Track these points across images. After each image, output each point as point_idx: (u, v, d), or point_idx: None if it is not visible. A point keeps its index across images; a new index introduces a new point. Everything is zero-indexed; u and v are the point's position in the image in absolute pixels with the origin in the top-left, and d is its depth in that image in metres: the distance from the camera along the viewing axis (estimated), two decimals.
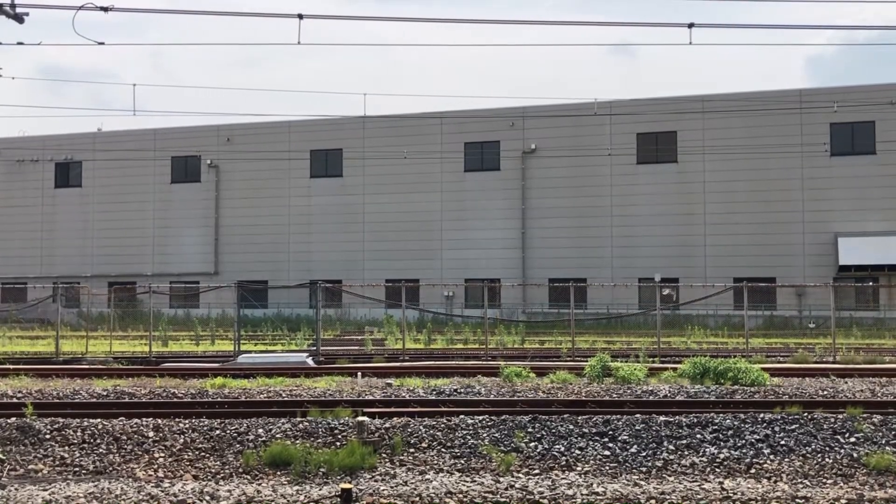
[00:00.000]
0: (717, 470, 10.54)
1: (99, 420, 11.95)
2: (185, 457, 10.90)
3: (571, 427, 11.63)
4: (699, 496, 9.49)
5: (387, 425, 11.65)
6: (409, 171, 42.17)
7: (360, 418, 11.60)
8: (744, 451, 11.01)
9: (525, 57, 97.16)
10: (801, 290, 36.27)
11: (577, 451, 11.00)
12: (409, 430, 11.54)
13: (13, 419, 11.83)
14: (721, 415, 12.13)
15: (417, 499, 9.41)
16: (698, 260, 38.68)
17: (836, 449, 11.04)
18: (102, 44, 17.51)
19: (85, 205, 47.27)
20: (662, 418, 11.91)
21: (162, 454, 10.95)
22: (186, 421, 11.92)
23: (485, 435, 11.41)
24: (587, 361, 17.30)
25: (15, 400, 13.85)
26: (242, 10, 24.00)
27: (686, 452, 10.98)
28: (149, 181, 46.26)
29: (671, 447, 11.10)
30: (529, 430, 11.54)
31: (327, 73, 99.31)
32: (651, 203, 39.53)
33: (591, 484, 9.93)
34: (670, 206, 39.25)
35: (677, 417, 11.94)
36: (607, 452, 10.98)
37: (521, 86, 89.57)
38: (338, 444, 11.15)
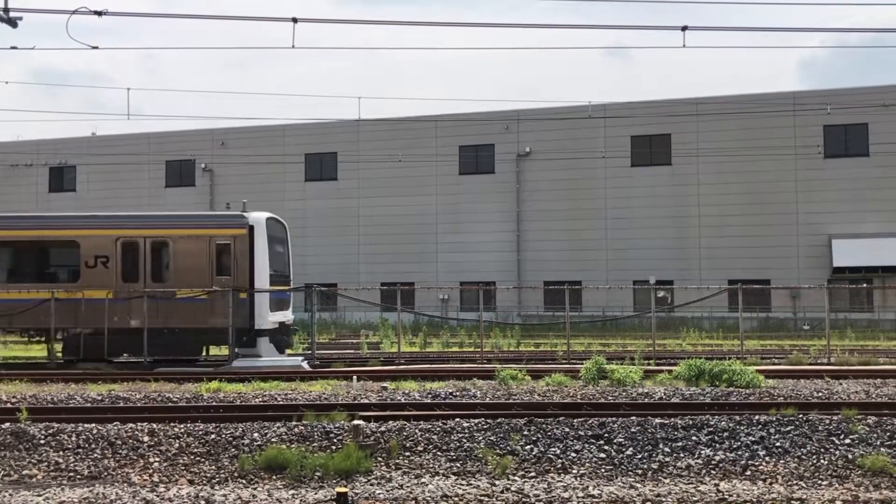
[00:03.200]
0: (712, 472, 10.56)
1: (93, 425, 11.92)
2: (181, 461, 10.89)
3: (567, 430, 11.64)
4: (695, 498, 9.50)
5: (382, 429, 11.65)
6: (404, 175, 42.17)
7: (356, 422, 11.59)
8: (739, 452, 11.03)
9: (519, 60, 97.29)
10: (796, 291, 36.35)
11: (573, 454, 11.01)
12: (405, 433, 11.54)
13: (7, 424, 11.80)
14: (716, 417, 12.15)
15: (413, 502, 9.41)
16: (693, 262, 38.75)
17: (832, 450, 11.06)
18: (96, 48, 17.49)
19: (79, 209, 47.15)
20: (658, 420, 11.92)
21: (157, 459, 10.93)
22: (181, 425, 11.90)
23: (480, 438, 11.41)
24: (582, 364, 17.31)
25: (9, 405, 13.80)
26: (236, 14, 24.20)
27: (682, 454, 11.00)
28: (143, 185, 46.21)
29: (667, 449, 11.11)
30: (525, 432, 11.55)
31: (322, 76, 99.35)
32: (645, 205, 39.58)
33: (587, 486, 9.93)
34: (664, 208, 39.32)
35: (673, 420, 11.96)
36: (603, 455, 10.99)
37: (516, 89, 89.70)
38: (333, 447, 11.14)
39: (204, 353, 22.28)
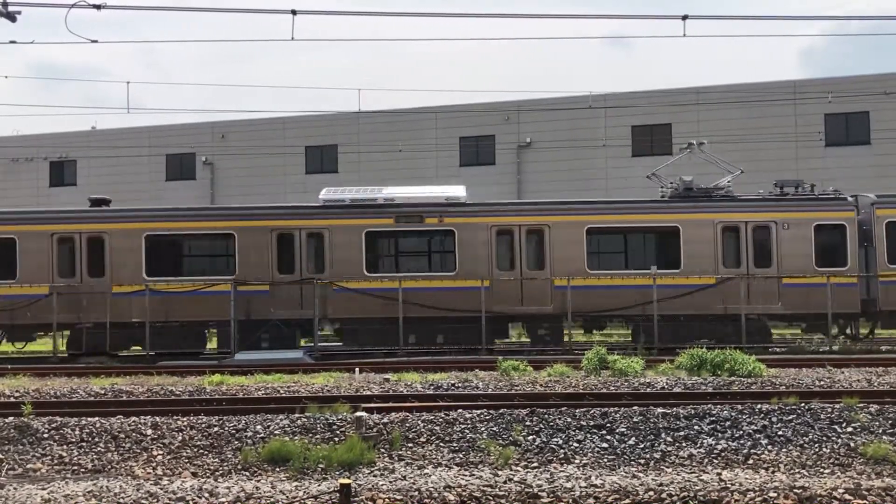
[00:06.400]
0: (714, 461, 10.58)
1: (97, 418, 11.95)
2: (184, 454, 10.91)
3: (569, 420, 11.66)
4: (697, 487, 9.52)
5: (385, 420, 11.67)
6: (405, 167, 42.08)
7: (359, 413, 11.61)
8: (741, 441, 11.05)
9: (520, 51, 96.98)
10: None
11: (576, 444, 11.03)
12: (408, 424, 11.56)
13: (11, 419, 11.82)
14: (718, 406, 12.16)
15: (416, 493, 9.43)
16: None
17: (834, 439, 11.08)
18: (96, 41, 17.48)
19: (80, 203, 47.14)
20: (660, 410, 11.93)
21: (160, 452, 10.96)
22: (184, 418, 11.92)
23: (483, 429, 11.43)
24: (584, 355, 17.33)
25: (13, 399, 13.84)
26: (235, 6, 24.12)
27: (684, 444, 11.01)
28: (144, 179, 46.14)
29: (669, 439, 11.13)
30: (527, 423, 11.56)
31: (321, 68, 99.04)
32: (646, 195, 39.46)
33: (590, 476, 9.95)
34: None
35: (675, 409, 11.97)
36: (605, 445, 11.01)
37: (516, 80, 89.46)
38: (336, 439, 11.16)
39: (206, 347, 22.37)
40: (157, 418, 11.92)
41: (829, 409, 11.89)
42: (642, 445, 10.98)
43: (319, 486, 9.73)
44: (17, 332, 22.30)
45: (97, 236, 21.85)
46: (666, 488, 9.49)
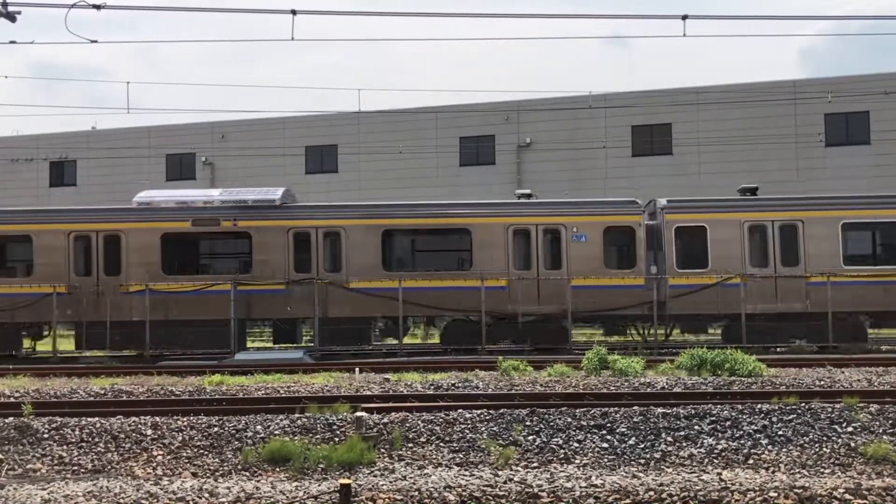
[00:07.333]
0: (715, 461, 10.58)
1: (97, 419, 11.95)
2: (184, 454, 10.91)
3: (569, 420, 11.66)
4: (697, 487, 9.51)
5: (385, 420, 11.67)
6: (405, 167, 42.11)
7: (359, 413, 11.61)
8: (742, 441, 11.04)
9: (520, 51, 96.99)
10: None
11: (576, 444, 11.03)
12: (408, 424, 11.56)
13: (11, 419, 11.82)
14: (718, 406, 12.16)
15: (416, 493, 9.43)
16: None
17: (834, 438, 11.08)
18: (96, 41, 17.48)
19: (80, 204, 47.11)
20: (660, 410, 11.93)
21: (160, 452, 10.96)
22: (184, 418, 11.92)
23: (483, 429, 11.43)
24: (584, 355, 17.32)
25: (13, 399, 13.84)
26: (235, 6, 24.15)
27: (684, 444, 11.01)
28: (144, 179, 46.15)
29: (669, 439, 11.13)
30: (527, 423, 11.56)
31: (321, 68, 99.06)
32: (646, 195, 39.38)
33: (590, 476, 9.95)
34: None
35: (675, 409, 11.97)
36: (605, 445, 11.01)
37: (516, 80, 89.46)
38: (336, 439, 11.16)
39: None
40: (157, 418, 11.92)
41: (830, 409, 11.89)
42: (642, 445, 10.98)
43: (319, 486, 9.72)
44: None
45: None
46: (666, 488, 9.49)
